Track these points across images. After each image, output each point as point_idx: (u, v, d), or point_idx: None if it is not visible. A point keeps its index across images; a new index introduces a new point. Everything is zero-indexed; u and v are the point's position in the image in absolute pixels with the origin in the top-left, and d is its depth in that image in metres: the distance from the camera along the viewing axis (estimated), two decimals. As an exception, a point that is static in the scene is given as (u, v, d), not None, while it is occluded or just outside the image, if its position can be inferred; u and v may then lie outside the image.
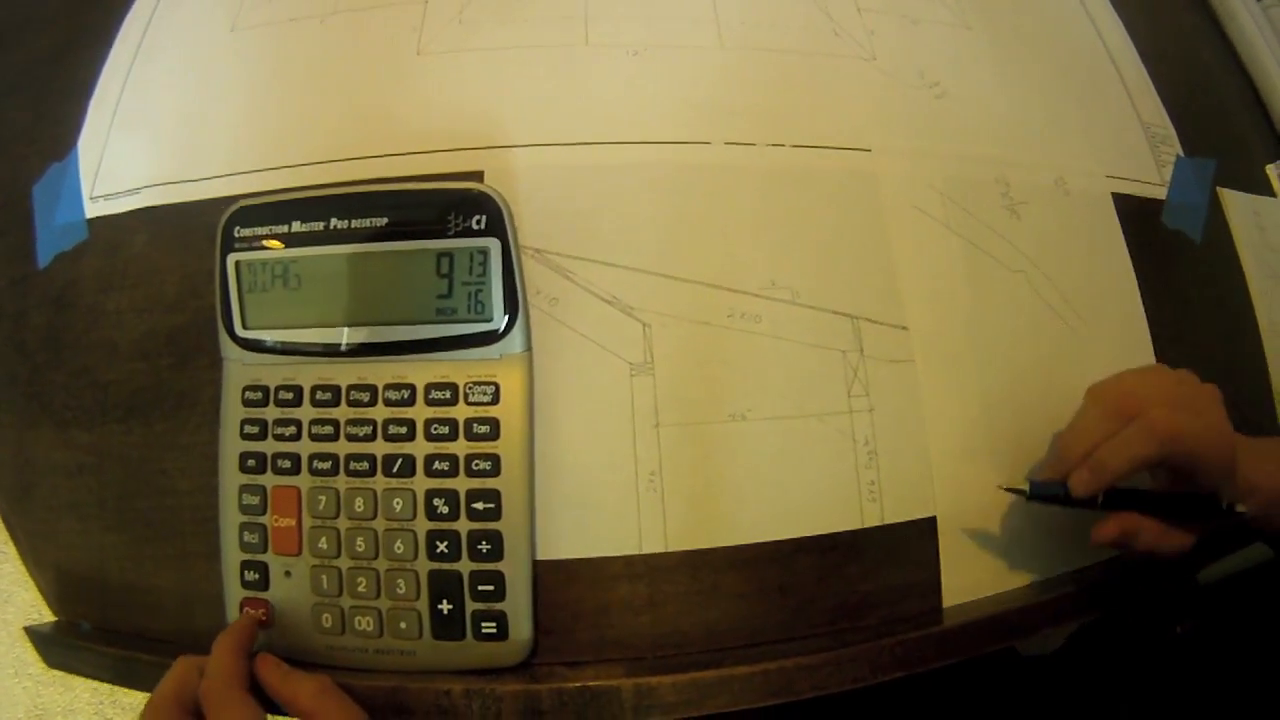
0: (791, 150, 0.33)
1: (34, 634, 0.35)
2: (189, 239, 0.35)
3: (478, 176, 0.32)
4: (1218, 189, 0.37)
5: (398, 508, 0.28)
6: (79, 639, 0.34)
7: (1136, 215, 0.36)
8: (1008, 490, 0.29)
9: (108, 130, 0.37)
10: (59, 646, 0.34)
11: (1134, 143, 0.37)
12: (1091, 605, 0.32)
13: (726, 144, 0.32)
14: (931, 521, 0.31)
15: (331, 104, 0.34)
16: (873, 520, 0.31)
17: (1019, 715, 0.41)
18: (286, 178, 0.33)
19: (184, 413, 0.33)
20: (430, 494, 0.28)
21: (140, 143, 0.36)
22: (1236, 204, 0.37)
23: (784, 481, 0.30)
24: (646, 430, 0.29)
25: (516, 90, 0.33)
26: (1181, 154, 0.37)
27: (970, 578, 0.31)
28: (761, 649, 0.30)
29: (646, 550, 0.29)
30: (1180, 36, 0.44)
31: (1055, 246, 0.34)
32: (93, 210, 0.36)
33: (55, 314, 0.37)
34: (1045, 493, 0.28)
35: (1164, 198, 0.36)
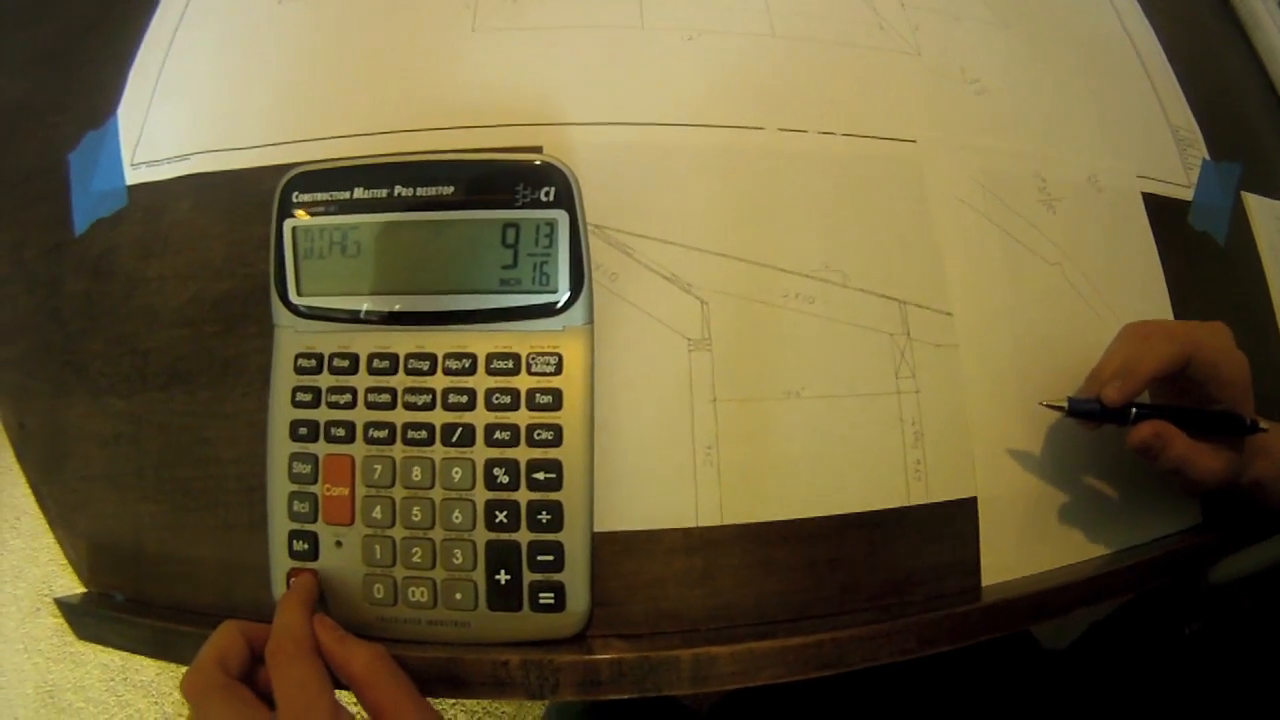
0: (842, 138, 0.33)
1: (64, 605, 0.33)
2: (237, 206, 0.34)
3: (535, 151, 0.31)
4: (1242, 193, 0.38)
5: (456, 477, 0.27)
6: (112, 610, 0.32)
7: (1165, 215, 0.36)
8: (1047, 406, 0.30)
9: (150, 98, 0.36)
10: (90, 618, 0.33)
11: (1162, 144, 0.37)
12: (1125, 587, 0.32)
13: (780, 130, 0.32)
14: (972, 501, 0.31)
15: (385, 76, 0.33)
16: (918, 498, 0.31)
17: (1034, 706, 0.41)
18: (339, 147, 0.32)
19: (229, 380, 0.32)
20: (490, 463, 0.27)
21: (185, 110, 0.35)
22: (1260, 209, 0.38)
23: (834, 458, 0.30)
24: (704, 405, 0.29)
25: (574, 69, 0.32)
26: (1207, 157, 0.38)
27: (1008, 557, 0.32)
28: (810, 622, 0.29)
29: (702, 523, 0.28)
30: (1207, 42, 0.44)
31: (1088, 241, 0.35)
32: (134, 177, 0.35)
33: (92, 281, 0.35)
34: (1082, 408, 0.29)
35: (1190, 199, 0.37)
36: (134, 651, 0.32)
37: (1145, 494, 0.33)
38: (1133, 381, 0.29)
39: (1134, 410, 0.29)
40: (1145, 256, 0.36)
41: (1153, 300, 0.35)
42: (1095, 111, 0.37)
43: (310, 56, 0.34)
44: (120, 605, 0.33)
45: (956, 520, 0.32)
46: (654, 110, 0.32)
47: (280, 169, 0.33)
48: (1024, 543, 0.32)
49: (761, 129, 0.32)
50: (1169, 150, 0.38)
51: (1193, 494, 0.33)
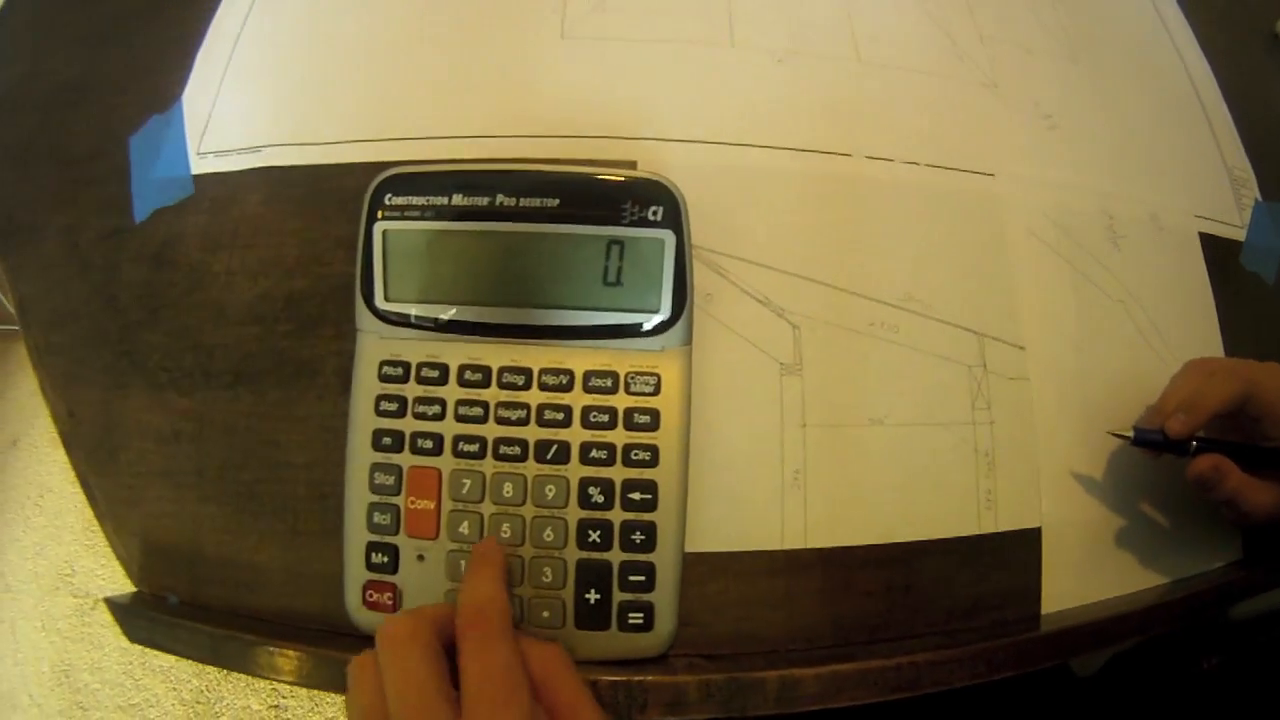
0: (925, 169, 0.33)
1: (115, 606, 0.31)
2: (314, 202, 0.32)
3: (630, 166, 0.30)
4: (1292, 236, 0.39)
5: (549, 494, 0.26)
6: (167, 614, 0.31)
7: (1219, 254, 0.37)
8: (1114, 435, 0.31)
9: (218, 85, 0.34)
10: (144, 620, 0.31)
11: (1218, 184, 0.38)
12: (1179, 618, 0.32)
13: (867, 158, 0.32)
14: (1036, 532, 0.32)
15: (473, 78, 0.32)
16: (988, 527, 0.31)
17: None
18: (424, 149, 0.31)
19: (303, 383, 0.31)
20: (585, 482, 0.26)
21: (257, 100, 0.33)
22: (1308, 251, 0.39)
23: (913, 486, 0.30)
24: (794, 429, 0.28)
25: (666, 84, 0.31)
26: (1259, 198, 0.38)
27: (1067, 585, 0.32)
28: (884, 645, 0.29)
29: (787, 546, 0.28)
30: (1261, 82, 0.45)
31: (1149, 279, 0.35)
32: (200, 166, 0.33)
33: (153, 270, 0.33)
34: (1147, 437, 0.30)
35: (1243, 239, 0.38)
36: (189, 658, 0.31)
37: (1192, 528, 0.34)
38: (1196, 415, 0.30)
39: (1194, 443, 0.30)
40: (1201, 296, 0.36)
41: (1206, 340, 0.36)
42: (1157, 149, 0.38)
43: (394, 52, 0.33)
44: (176, 609, 0.31)
45: (1020, 549, 0.32)
46: (746, 131, 0.31)
47: (361, 167, 0.32)
48: (1082, 572, 0.32)
49: (849, 155, 0.32)
50: (1224, 190, 0.38)
51: (1243, 525, 0.34)
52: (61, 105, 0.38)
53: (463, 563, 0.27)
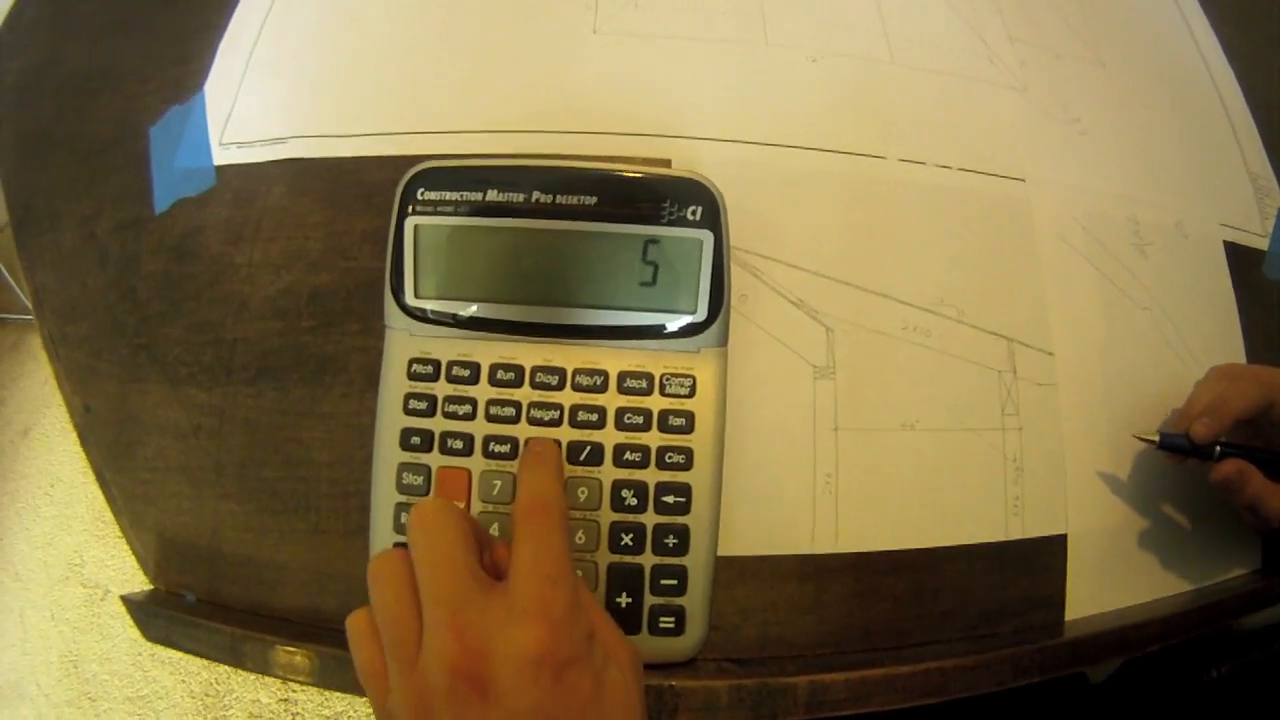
0: (957, 173, 0.32)
1: (131, 604, 0.30)
2: (338, 195, 0.31)
3: (664, 164, 0.29)
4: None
5: (582, 497, 0.25)
6: (185, 612, 0.30)
7: (1243, 264, 0.37)
8: (1139, 439, 0.30)
9: (241, 75, 0.33)
10: (160, 619, 0.30)
11: (1242, 192, 0.37)
12: (1199, 626, 0.32)
13: (900, 160, 0.31)
14: (1062, 539, 0.31)
15: (504, 71, 0.31)
16: (1015, 534, 0.30)
17: None
18: (454, 143, 0.30)
19: (327, 379, 0.30)
20: (618, 484, 0.25)
21: (282, 91, 0.32)
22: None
23: (942, 490, 0.29)
24: (826, 433, 0.28)
25: (701, 82, 0.30)
26: (1282, 209, 0.38)
27: (1090, 592, 0.31)
28: (911, 650, 0.29)
29: (817, 550, 0.27)
30: None
31: (1174, 287, 0.35)
32: (222, 157, 0.32)
33: (173, 262, 0.32)
34: (1172, 442, 0.30)
35: (1265, 249, 0.37)
36: (207, 657, 0.30)
37: (1214, 537, 0.34)
38: (1220, 420, 0.29)
39: (1218, 448, 0.30)
40: (1224, 304, 0.36)
41: (1229, 348, 0.36)
42: (1182, 156, 0.37)
43: (421, 43, 0.32)
44: (194, 608, 0.30)
45: (1046, 555, 0.31)
46: (780, 131, 0.30)
47: (387, 160, 0.31)
48: (1104, 579, 0.32)
49: (883, 158, 0.31)
50: (1248, 198, 0.38)
51: (1264, 531, 0.34)
52: (80, 94, 0.37)
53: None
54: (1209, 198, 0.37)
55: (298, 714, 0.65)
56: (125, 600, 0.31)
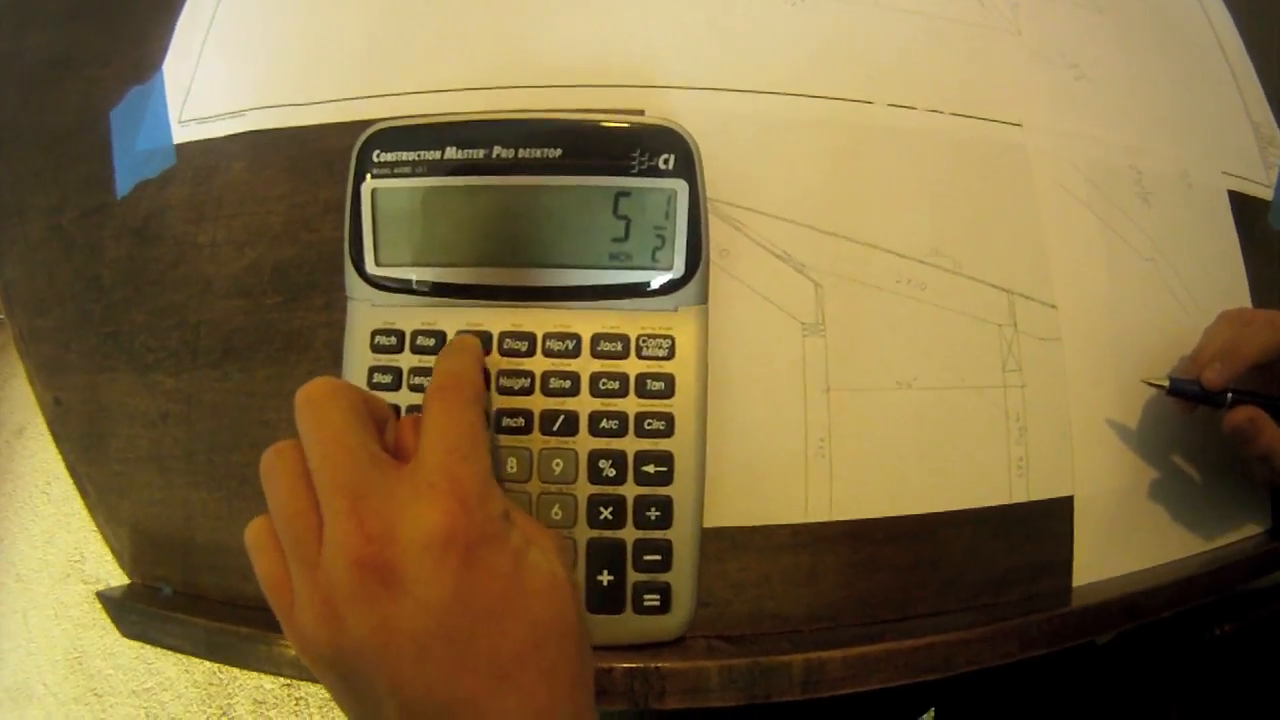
0: (950, 118, 0.29)
1: (107, 600, 0.28)
2: (299, 166, 0.29)
3: (637, 115, 0.27)
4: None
5: (557, 469, 0.23)
6: (160, 606, 0.28)
7: (1247, 213, 0.33)
8: (1149, 384, 0.28)
9: (199, 49, 0.30)
10: (136, 615, 0.28)
11: (1245, 142, 0.34)
12: (1210, 591, 0.29)
13: (889, 105, 0.28)
14: (1069, 501, 0.28)
15: (468, 27, 0.28)
16: (1019, 496, 0.27)
17: (1080, 697, 0.39)
18: (416, 104, 0.27)
19: (293, 357, 0.27)
20: (594, 455, 0.23)
21: (239, 63, 0.30)
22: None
23: (942, 453, 0.26)
24: (817, 394, 0.25)
25: (674, 29, 0.28)
26: (1289, 155, 0.35)
27: (1098, 557, 0.29)
28: (912, 623, 0.26)
29: (811, 519, 0.25)
30: None
31: (1179, 238, 0.32)
32: (182, 135, 0.30)
33: (136, 246, 0.30)
34: (1183, 387, 0.28)
35: (1270, 199, 0.34)
36: (185, 653, 0.28)
37: (1222, 496, 0.31)
38: (1233, 365, 0.27)
39: (1230, 395, 0.27)
40: (1230, 255, 0.33)
41: (1235, 300, 0.32)
42: (1183, 104, 0.34)
43: (382, 4, 0.29)
44: (168, 600, 0.28)
45: (1051, 519, 0.29)
46: (760, 77, 0.27)
47: (349, 126, 0.28)
48: (1112, 542, 0.29)
49: (871, 103, 0.28)
50: (1250, 147, 0.34)
51: (1274, 484, 0.31)
52: (42, 83, 0.35)
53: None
54: (1211, 147, 0.34)
55: (301, 699, 0.63)
56: (101, 597, 0.29)
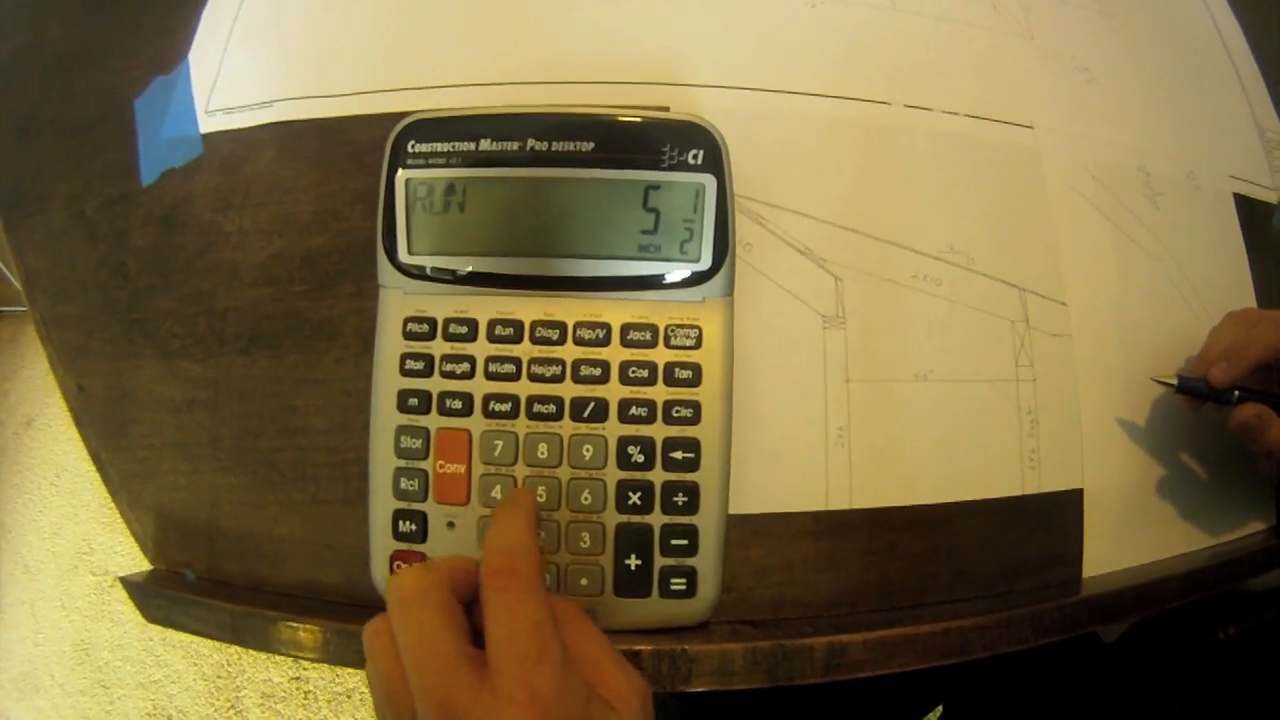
0: (965, 119, 0.30)
1: (131, 585, 0.28)
2: (327, 156, 0.29)
3: (662, 111, 0.27)
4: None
5: (587, 455, 0.23)
6: (184, 591, 0.28)
7: (1253, 216, 0.34)
8: (1157, 381, 0.29)
9: (226, 40, 0.31)
10: (160, 599, 0.28)
11: (1251, 145, 0.35)
12: (1217, 583, 0.30)
13: (905, 106, 0.29)
14: (1079, 493, 0.29)
15: (496, 22, 0.28)
16: (1031, 488, 0.28)
17: (1088, 696, 0.39)
18: (446, 97, 0.28)
19: (322, 344, 0.28)
20: (624, 441, 0.23)
21: (267, 54, 0.30)
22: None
23: (957, 444, 0.27)
24: (838, 385, 0.26)
25: (699, 28, 0.28)
26: (1293, 159, 0.36)
27: (1108, 548, 0.29)
28: (928, 609, 0.27)
29: (832, 507, 0.26)
30: None
31: (1186, 239, 0.33)
32: (209, 125, 0.30)
33: (162, 234, 0.30)
34: (1190, 384, 0.28)
35: (1276, 202, 0.35)
36: (209, 637, 0.28)
37: (1229, 492, 0.32)
38: (1240, 364, 0.28)
39: (1237, 393, 0.28)
40: (1235, 256, 0.34)
41: (1241, 301, 0.33)
42: (1190, 107, 0.35)
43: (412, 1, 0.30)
44: (192, 585, 0.28)
45: (1063, 510, 0.29)
46: (782, 77, 0.28)
47: (377, 118, 0.29)
48: (1121, 535, 0.30)
49: (888, 104, 0.29)
50: (1256, 151, 0.35)
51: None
52: (65, 73, 0.35)
53: (495, 528, 0.24)
54: (1218, 150, 0.35)
55: (310, 692, 0.63)
56: (124, 582, 0.29)
